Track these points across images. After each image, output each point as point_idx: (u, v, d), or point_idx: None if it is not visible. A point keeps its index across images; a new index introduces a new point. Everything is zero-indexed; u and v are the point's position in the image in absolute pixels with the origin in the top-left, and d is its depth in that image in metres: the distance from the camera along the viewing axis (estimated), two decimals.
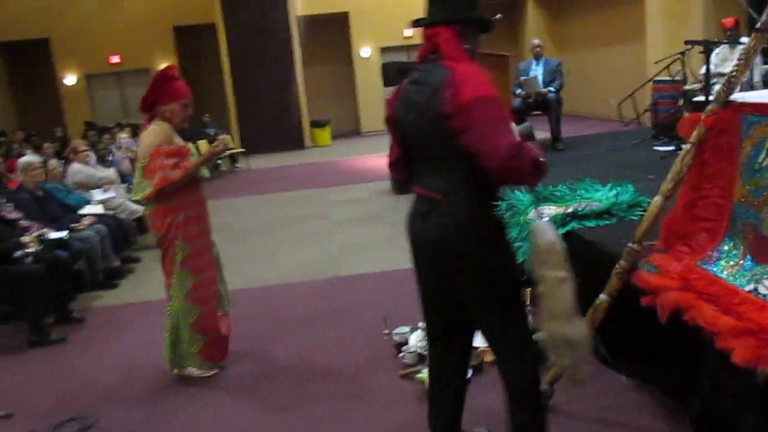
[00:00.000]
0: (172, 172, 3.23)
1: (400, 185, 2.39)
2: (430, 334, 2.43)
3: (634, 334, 2.99)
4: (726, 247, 2.59)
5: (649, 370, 2.94)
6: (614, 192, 4.07)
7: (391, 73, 7.80)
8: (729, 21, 6.20)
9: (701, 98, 4.14)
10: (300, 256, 5.75)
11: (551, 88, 7.02)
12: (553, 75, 7.08)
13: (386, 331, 3.63)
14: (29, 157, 5.59)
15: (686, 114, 4.69)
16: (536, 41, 7.38)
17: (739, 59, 2.58)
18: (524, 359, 2.26)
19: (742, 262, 2.48)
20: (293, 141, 14.42)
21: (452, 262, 2.15)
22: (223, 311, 3.67)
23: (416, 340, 3.42)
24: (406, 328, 3.58)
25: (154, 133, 3.31)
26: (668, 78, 7.02)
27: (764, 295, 2.28)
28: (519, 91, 7.14)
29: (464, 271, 2.15)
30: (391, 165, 2.37)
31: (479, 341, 3.31)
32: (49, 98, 15.69)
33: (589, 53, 14.12)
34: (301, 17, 14.88)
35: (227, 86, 14.36)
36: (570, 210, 3.77)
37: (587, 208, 3.81)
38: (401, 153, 2.30)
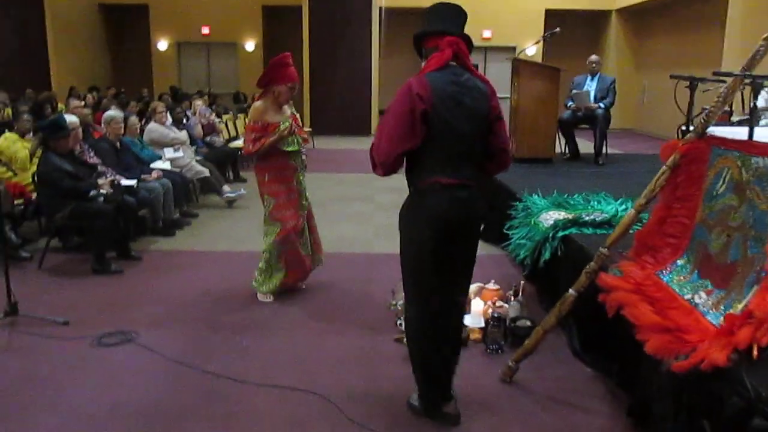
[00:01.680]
0: (251, 146, 4.13)
1: (392, 171, 2.66)
2: (440, 302, 2.79)
3: (602, 333, 3.33)
4: (681, 262, 2.92)
5: (610, 365, 3.30)
6: (623, 207, 4.38)
7: None
8: None
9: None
10: (338, 232, 6.26)
11: (601, 105, 7.24)
12: (605, 92, 7.29)
13: (392, 302, 4.08)
14: (113, 112, 6.31)
15: None
16: (594, 57, 7.59)
17: (717, 98, 2.89)
18: None
19: (690, 275, 2.82)
20: (360, 126, 14.97)
21: (476, 232, 2.82)
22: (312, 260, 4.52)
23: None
24: None
25: (254, 109, 4.18)
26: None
27: (696, 304, 2.62)
28: (570, 103, 7.40)
29: (476, 238, 2.84)
30: (401, 155, 2.59)
31: (468, 320, 3.78)
32: (141, 61, 16.81)
33: (666, 73, 14.02)
34: (386, 8, 15.35)
35: (305, 68, 15.05)
36: (571, 217, 4.11)
37: (591, 218, 4.15)
38: (418, 144, 2.57)
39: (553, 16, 15.16)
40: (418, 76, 2.62)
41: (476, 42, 12.13)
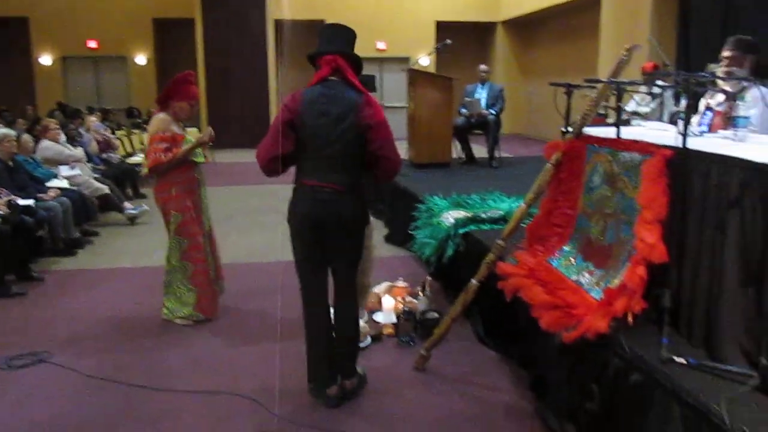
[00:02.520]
0: (163, 155, 3.98)
1: (273, 172, 2.98)
2: (313, 293, 3.11)
3: (503, 319, 3.65)
4: (567, 248, 3.28)
5: (511, 347, 3.62)
6: (516, 203, 4.76)
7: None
8: (648, 65, 6.97)
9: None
10: (249, 243, 6.32)
11: (492, 111, 7.73)
12: (495, 99, 7.79)
13: None
14: (5, 130, 6.07)
15: None
16: (483, 67, 8.09)
17: (593, 100, 3.28)
18: None
19: (575, 259, 3.17)
20: (261, 139, 14.92)
21: (349, 233, 3.00)
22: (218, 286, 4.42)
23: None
24: None
25: (157, 120, 4.09)
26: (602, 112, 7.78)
27: (581, 283, 2.97)
28: (463, 110, 7.85)
29: (351, 239, 3.04)
30: (274, 158, 2.91)
31: (380, 317, 4.00)
32: (23, 76, 15.94)
33: (549, 80, 14.96)
34: (281, 21, 15.43)
35: (201, 81, 14.85)
36: (470, 215, 4.44)
37: (488, 215, 4.49)
38: (292, 150, 2.92)
39: (443, 28, 15.83)
40: (295, 91, 2.98)
41: (371, 53, 12.47)
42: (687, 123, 2.46)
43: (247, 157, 13.34)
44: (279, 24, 15.22)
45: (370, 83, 8.45)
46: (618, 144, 2.99)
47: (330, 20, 16.03)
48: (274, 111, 15.42)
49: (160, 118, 4.10)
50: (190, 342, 3.92)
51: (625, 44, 3.20)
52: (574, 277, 3.04)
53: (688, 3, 8.21)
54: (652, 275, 2.49)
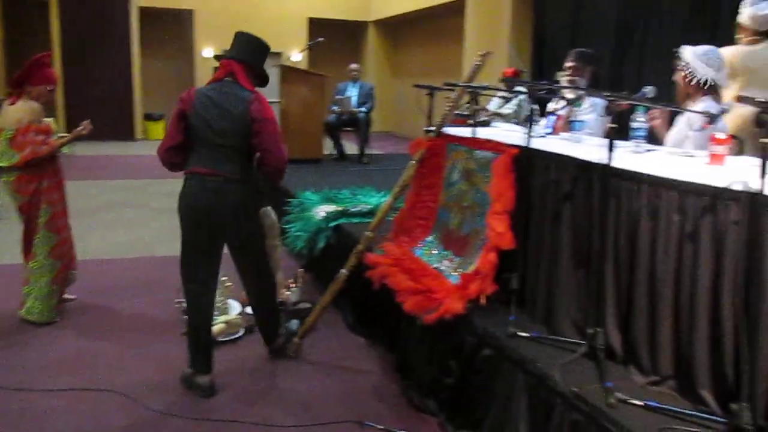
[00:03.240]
0: (41, 148, 3.82)
1: (173, 165, 3.18)
2: (197, 278, 3.18)
3: (371, 307, 3.85)
4: (430, 238, 3.54)
5: (380, 333, 3.83)
6: (384, 198, 5.00)
7: None
8: (509, 71, 7.51)
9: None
10: (113, 239, 6.09)
11: (362, 109, 7.97)
12: (366, 98, 8.04)
13: (178, 300, 4.21)
14: None
15: None
16: (354, 65, 8.32)
17: (452, 102, 3.56)
18: None
19: (437, 249, 3.43)
20: (124, 131, 14.27)
21: (236, 222, 3.12)
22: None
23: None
24: None
25: (24, 109, 3.83)
26: (458, 112, 8.26)
27: (442, 270, 3.22)
28: (334, 108, 8.02)
29: (239, 228, 3.16)
30: (169, 149, 3.11)
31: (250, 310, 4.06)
32: None
33: (419, 81, 15.51)
34: (144, 8, 14.80)
35: (57, 68, 13.90)
36: (341, 209, 4.62)
37: (358, 209, 4.69)
38: (183, 141, 3.09)
39: (316, 25, 15.92)
40: (191, 88, 3.21)
41: None
42: (531, 125, 2.77)
43: (111, 149, 12.81)
44: (144, 11, 14.60)
45: None
46: (474, 143, 3.28)
47: (199, 10, 15.78)
48: (139, 102, 14.79)
49: (31, 108, 3.86)
50: (52, 341, 3.78)
51: (492, 47, 3.52)
52: (435, 265, 3.30)
53: (542, 15, 8.91)
54: (502, 261, 2.79)
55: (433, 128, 3.64)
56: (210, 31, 15.74)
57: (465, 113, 7.71)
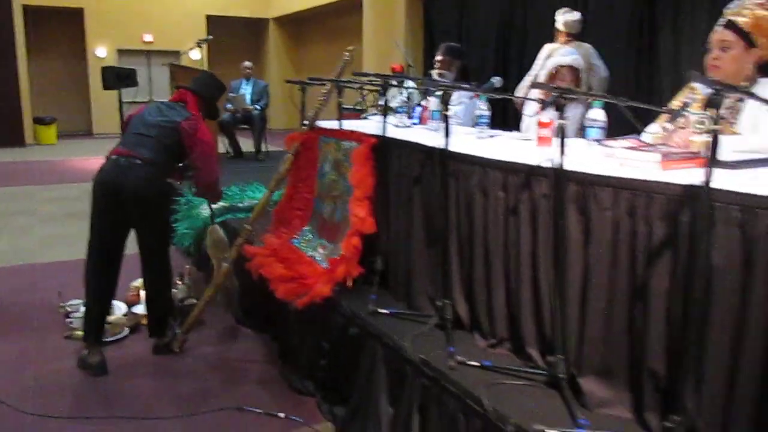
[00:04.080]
0: None
1: None
2: (97, 258, 3.33)
3: (257, 298, 3.94)
4: (307, 228, 3.67)
5: (266, 324, 3.93)
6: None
7: (110, 78, 8.14)
8: (397, 66, 7.75)
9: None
10: None
11: (257, 107, 8.00)
12: (260, 95, 8.07)
13: (62, 303, 4.15)
14: None
15: None
16: (247, 63, 8.33)
17: (320, 100, 3.69)
18: None
19: (312, 237, 3.58)
20: (12, 137, 13.58)
21: (140, 197, 3.24)
22: None
23: (83, 309, 4.03)
24: (78, 301, 4.15)
25: None
26: (350, 107, 8.44)
27: (315, 258, 3.37)
28: (228, 106, 8.01)
29: (144, 204, 3.28)
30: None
31: (140, 308, 4.07)
32: None
33: (323, 77, 15.61)
34: (29, 7, 14.12)
35: None
36: (227, 205, 4.68)
37: (245, 204, 4.76)
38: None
39: (214, 22, 15.70)
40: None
41: (137, 46, 11.96)
42: (385, 116, 2.95)
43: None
44: (29, 10, 13.94)
45: (131, 77, 8.28)
46: (341, 134, 3.44)
47: (89, 9, 15.20)
48: (28, 106, 14.10)
49: None
50: None
51: (382, 47, 3.71)
52: (310, 253, 3.44)
53: (431, 12, 9.23)
54: (369, 244, 2.97)
55: (306, 122, 3.77)
56: (102, 30, 15.22)
57: (358, 108, 7.92)
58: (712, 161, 1.54)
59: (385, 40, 10.74)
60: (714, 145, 1.53)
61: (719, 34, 2.38)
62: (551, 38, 4.58)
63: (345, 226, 3.28)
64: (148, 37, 15.47)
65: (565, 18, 4.05)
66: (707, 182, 1.56)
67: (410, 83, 4.16)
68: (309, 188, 3.72)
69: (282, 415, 2.94)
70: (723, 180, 1.68)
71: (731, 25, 2.36)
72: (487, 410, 2.00)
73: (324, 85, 3.74)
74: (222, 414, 3.03)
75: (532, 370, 2.20)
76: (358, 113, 7.95)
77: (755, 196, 1.58)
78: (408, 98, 7.43)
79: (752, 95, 1.71)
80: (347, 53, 3.65)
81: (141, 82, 10.35)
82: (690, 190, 1.67)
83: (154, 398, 3.18)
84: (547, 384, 2.12)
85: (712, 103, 1.52)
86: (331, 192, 3.47)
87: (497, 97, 2.93)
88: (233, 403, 3.10)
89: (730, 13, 2.39)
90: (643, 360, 1.86)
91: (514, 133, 2.97)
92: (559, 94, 1.90)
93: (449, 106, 2.42)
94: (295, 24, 17.11)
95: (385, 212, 3.00)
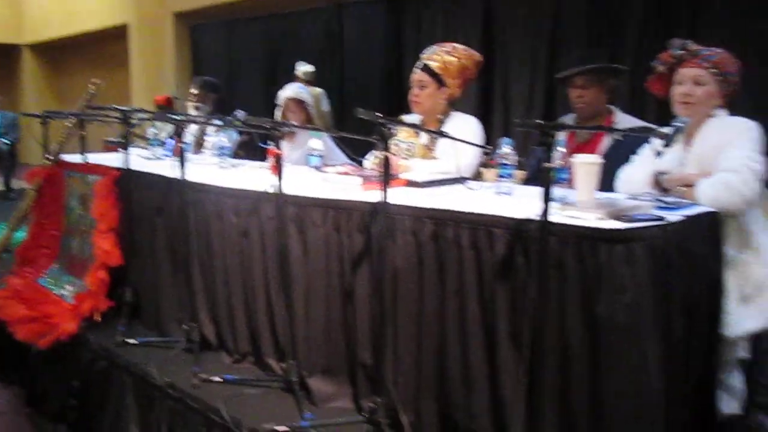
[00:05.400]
0: None
1: None
2: None
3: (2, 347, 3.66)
4: (56, 266, 3.54)
5: (13, 372, 3.67)
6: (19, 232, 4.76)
7: None
8: (160, 98, 7.63)
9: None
10: None
11: (6, 141, 7.36)
12: (8, 128, 7.44)
13: None
14: None
15: None
16: None
17: (66, 129, 3.60)
18: None
19: (60, 275, 3.45)
20: None
21: None
22: None
23: None
24: None
25: None
26: (116, 140, 8.12)
27: (63, 296, 3.26)
28: None
29: None
30: None
31: None
32: None
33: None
34: None
35: None
36: None
37: None
38: None
39: None
40: None
41: None
42: (126, 147, 3.00)
43: None
44: None
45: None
46: (86, 168, 3.39)
47: None
48: None
49: None
50: None
51: (151, 75, 3.67)
52: (58, 291, 3.31)
53: (199, 42, 9.28)
54: (117, 276, 2.97)
55: (50, 156, 3.65)
56: None
57: (116, 140, 7.64)
58: (386, 182, 1.87)
59: (153, 69, 10.51)
60: (386, 169, 1.86)
61: (418, 75, 2.83)
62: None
63: (91, 261, 3.24)
64: None
65: (303, 69, 4.52)
66: (384, 199, 1.89)
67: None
68: (55, 224, 3.59)
69: None
70: (410, 196, 2.04)
71: (426, 68, 2.82)
72: (225, 419, 2.15)
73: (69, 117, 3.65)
74: None
75: (270, 378, 2.40)
76: (116, 146, 7.69)
77: (422, 208, 1.95)
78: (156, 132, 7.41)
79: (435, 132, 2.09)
80: (92, 86, 3.62)
81: None
82: (375, 206, 2.00)
83: None
84: (283, 389, 2.33)
85: (382, 135, 1.86)
86: (79, 227, 3.40)
87: (242, 129, 3.14)
88: None
89: (425, 58, 2.86)
90: (356, 355, 2.15)
91: (257, 163, 3.19)
92: (271, 127, 2.15)
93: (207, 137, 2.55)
94: (55, 51, 15.89)
95: (132, 243, 3.02)
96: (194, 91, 4.62)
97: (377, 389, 2.03)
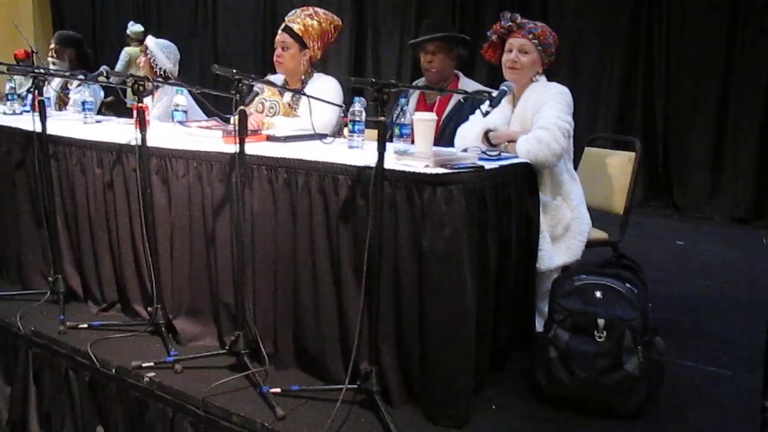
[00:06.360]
0: None
1: None
2: None
3: None
4: None
5: None
6: None
7: None
8: (20, 52, 7.19)
9: None
10: None
11: None
12: None
13: None
14: None
15: None
16: None
17: None
18: None
19: None
20: None
21: None
22: None
23: None
24: None
25: None
26: None
27: None
28: None
29: None
30: None
31: None
32: None
33: None
34: None
35: None
36: None
37: None
38: None
39: None
40: None
41: None
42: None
43: None
44: None
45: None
46: None
47: None
48: None
49: None
50: None
51: (8, 29, 3.49)
52: None
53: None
54: None
55: None
56: None
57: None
58: (242, 134, 2.04)
59: (7, 24, 9.81)
60: (242, 122, 2.03)
61: (280, 36, 2.97)
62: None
63: None
64: None
65: (133, 29, 4.70)
66: (242, 151, 2.06)
67: None
68: None
69: None
70: (267, 148, 2.22)
71: (288, 30, 2.97)
72: (93, 359, 2.26)
73: None
74: None
75: (137, 323, 2.53)
76: None
77: (276, 158, 2.14)
78: (16, 86, 7.04)
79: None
80: None
81: None
82: (233, 156, 2.16)
83: None
84: (151, 332, 2.47)
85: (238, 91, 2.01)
86: None
87: (105, 84, 3.15)
88: None
89: (288, 20, 3.00)
90: (218, 295, 2.33)
91: (123, 119, 3.22)
92: (135, 81, 2.25)
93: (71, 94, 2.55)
94: None
95: None
96: (52, 45, 4.48)
97: (239, 326, 2.22)
